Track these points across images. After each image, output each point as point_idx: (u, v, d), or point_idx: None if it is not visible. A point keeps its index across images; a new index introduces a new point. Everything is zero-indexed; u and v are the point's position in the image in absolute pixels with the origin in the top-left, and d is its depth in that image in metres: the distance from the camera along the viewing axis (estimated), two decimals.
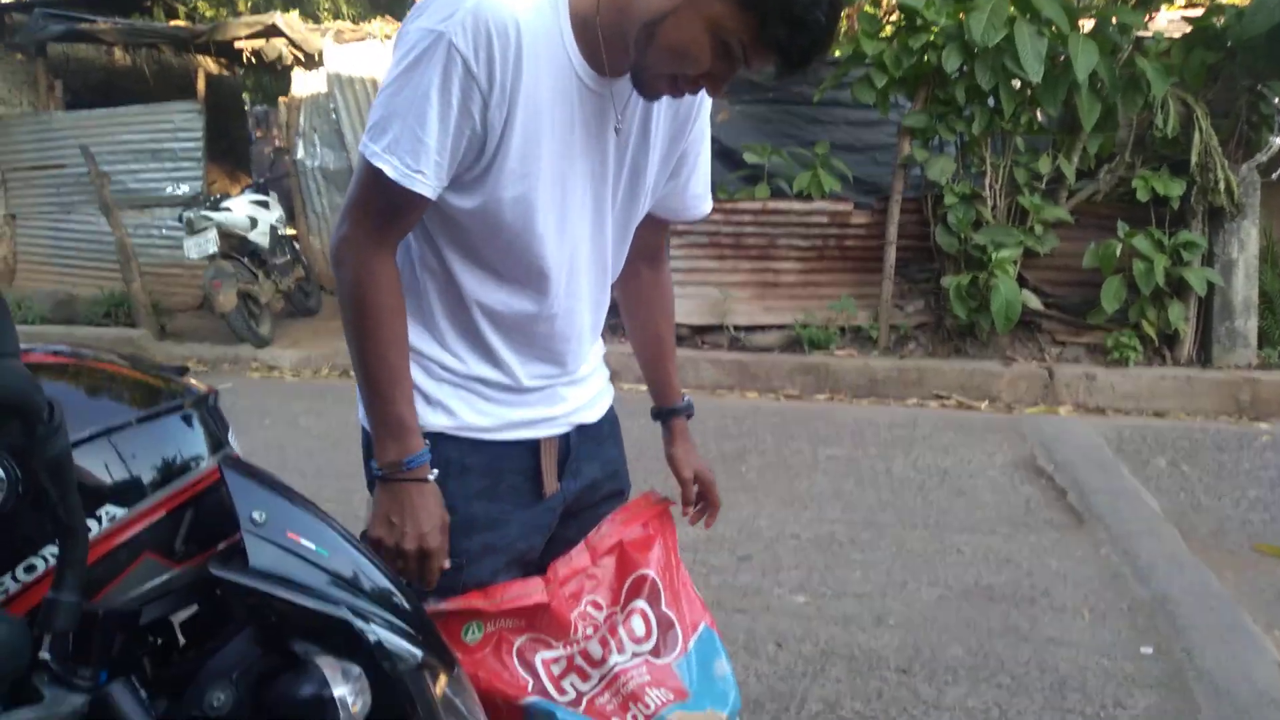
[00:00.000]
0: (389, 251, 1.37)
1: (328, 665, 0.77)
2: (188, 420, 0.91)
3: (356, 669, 0.78)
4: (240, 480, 0.85)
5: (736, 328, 6.04)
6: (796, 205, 5.97)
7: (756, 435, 4.77)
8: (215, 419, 0.95)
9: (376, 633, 0.82)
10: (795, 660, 2.77)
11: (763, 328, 6.05)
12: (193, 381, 0.95)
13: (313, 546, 0.84)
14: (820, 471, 4.27)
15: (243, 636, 0.80)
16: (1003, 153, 5.65)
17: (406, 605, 0.90)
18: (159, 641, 0.89)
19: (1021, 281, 5.59)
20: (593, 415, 1.66)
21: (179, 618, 0.91)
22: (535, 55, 1.27)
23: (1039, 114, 5.73)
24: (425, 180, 1.27)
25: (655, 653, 1.75)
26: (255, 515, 0.82)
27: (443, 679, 0.88)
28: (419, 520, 1.37)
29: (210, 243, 6.40)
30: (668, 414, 1.83)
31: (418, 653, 0.85)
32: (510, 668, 1.62)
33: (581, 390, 1.64)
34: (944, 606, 3.09)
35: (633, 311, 1.79)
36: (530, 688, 1.60)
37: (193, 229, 6.46)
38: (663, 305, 1.78)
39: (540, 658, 1.68)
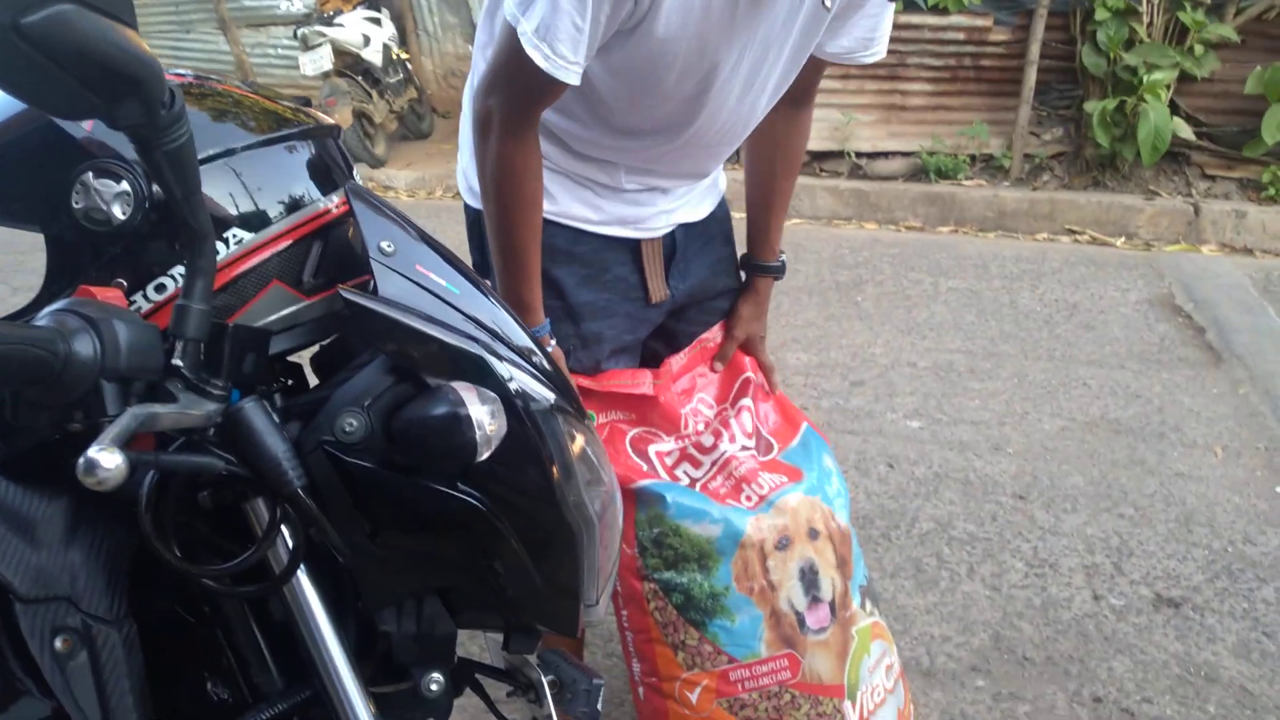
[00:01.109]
0: (532, 128, 1.28)
1: (462, 387, 0.74)
2: (314, 149, 0.87)
3: (492, 394, 0.75)
4: (368, 210, 0.81)
5: (858, 154, 5.78)
6: (930, 20, 5.57)
7: (874, 265, 4.61)
8: (341, 154, 0.92)
9: (511, 371, 0.79)
10: (907, 481, 2.73)
11: (886, 154, 5.78)
12: (319, 113, 0.91)
13: (444, 283, 0.81)
14: (940, 302, 4.12)
15: (375, 366, 0.77)
16: None
17: (546, 365, 0.86)
18: (290, 383, 0.88)
19: (1173, 108, 5.16)
20: (697, 213, 1.59)
21: (309, 362, 0.89)
22: None
23: None
24: (576, 69, 1.16)
25: (762, 449, 1.73)
26: (384, 245, 0.79)
27: (580, 437, 0.85)
28: None
29: (325, 59, 6.37)
30: (757, 269, 1.73)
31: (550, 395, 0.82)
32: (625, 454, 1.61)
33: (684, 191, 1.56)
34: (1066, 437, 2.99)
35: (758, 149, 1.65)
36: (644, 472, 1.60)
37: (307, 45, 6.43)
38: (792, 150, 1.64)
39: (654, 449, 1.67)
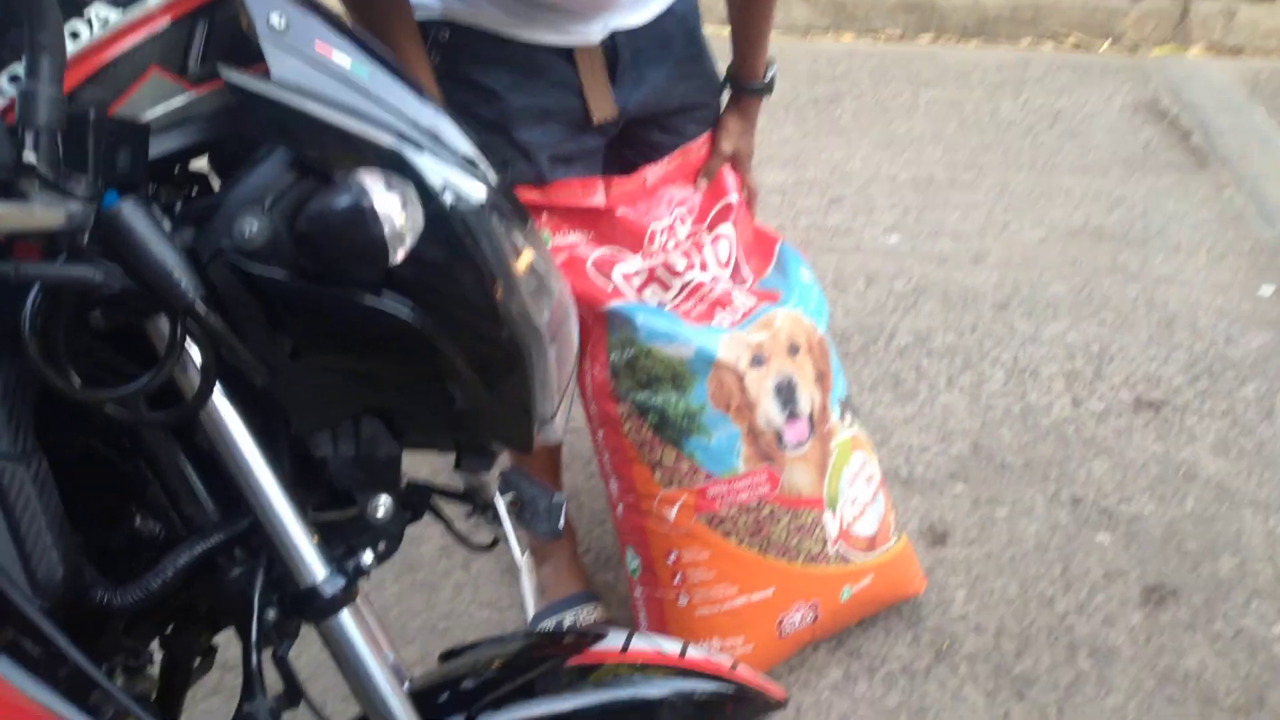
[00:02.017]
0: None
1: (368, 175, 0.65)
2: None
3: (403, 181, 0.66)
4: None
5: None
6: None
7: (852, 79, 4.42)
8: None
9: (431, 163, 0.70)
10: (885, 296, 2.68)
11: None
12: None
13: (348, 65, 0.71)
14: (920, 114, 3.97)
15: (275, 159, 0.68)
16: None
17: (487, 173, 0.76)
18: (194, 192, 0.79)
19: None
20: (640, 15, 1.44)
21: (208, 163, 0.79)
22: None
23: None
24: None
25: (737, 279, 1.65)
26: (273, 19, 0.68)
27: (522, 241, 0.76)
28: None
29: None
30: (743, 89, 1.61)
31: (483, 191, 0.72)
32: (587, 278, 1.54)
33: None
34: (1047, 246, 2.92)
35: None
36: (611, 293, 1.53)
37: None
38: None
39: (619, 271, 1.58)
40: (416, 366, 0.74)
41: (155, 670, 0.90)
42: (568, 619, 1.72)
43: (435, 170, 0.70)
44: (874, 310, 2.61)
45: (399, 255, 0.66)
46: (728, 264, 1.64)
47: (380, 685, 0.79)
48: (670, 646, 0.96)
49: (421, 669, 1.78)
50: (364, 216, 0.64)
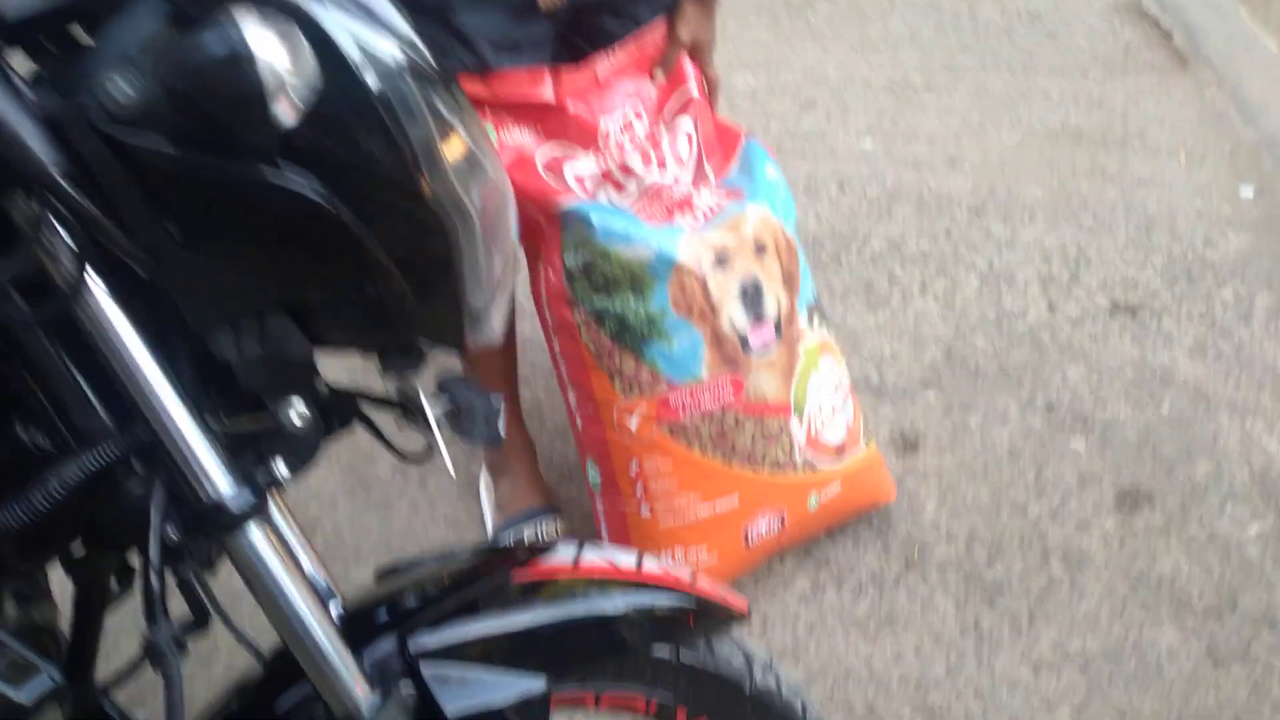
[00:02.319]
0: None
1: (239, 9, 0.56)
2: None
3: (287, 21, 0.57)
4: None
5: None
6: None
7: None
8: None
9: (337, 15, 0.60)
10: (859, 202, 2.59)
11: None
12: None
13: None
14: (896, 16, 3.82)
15: (147, 6, 0.58)
16: None
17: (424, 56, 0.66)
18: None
19: None
20: None
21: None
22: None
23: None
24: None
25: (698, 177, 1.56)
26: None
27: (448, 112, 0.67)
28: None
29: None
30: None
31: (400, 52, 0.63)
32: (537, 178, 1.44)
33: None
34: (1024, 149, 2.83)
35: None
36: (563, 191, 1.44)
37: None
38: None
39: (570, 171, 1.49)
40: (327, 254, 0.66)
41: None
42: (527, 534, 1.66)
43: (340, 22, 0.61)
44: (846, 216, 2.53)
45: (286, 111, 0.57)
46: (688, 162, 1.55)
47: (299, 608, 0.72)
48: (625, 559, 0.89)
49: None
50: (232, 56, 0.55)
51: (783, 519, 1.53)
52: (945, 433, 1.89)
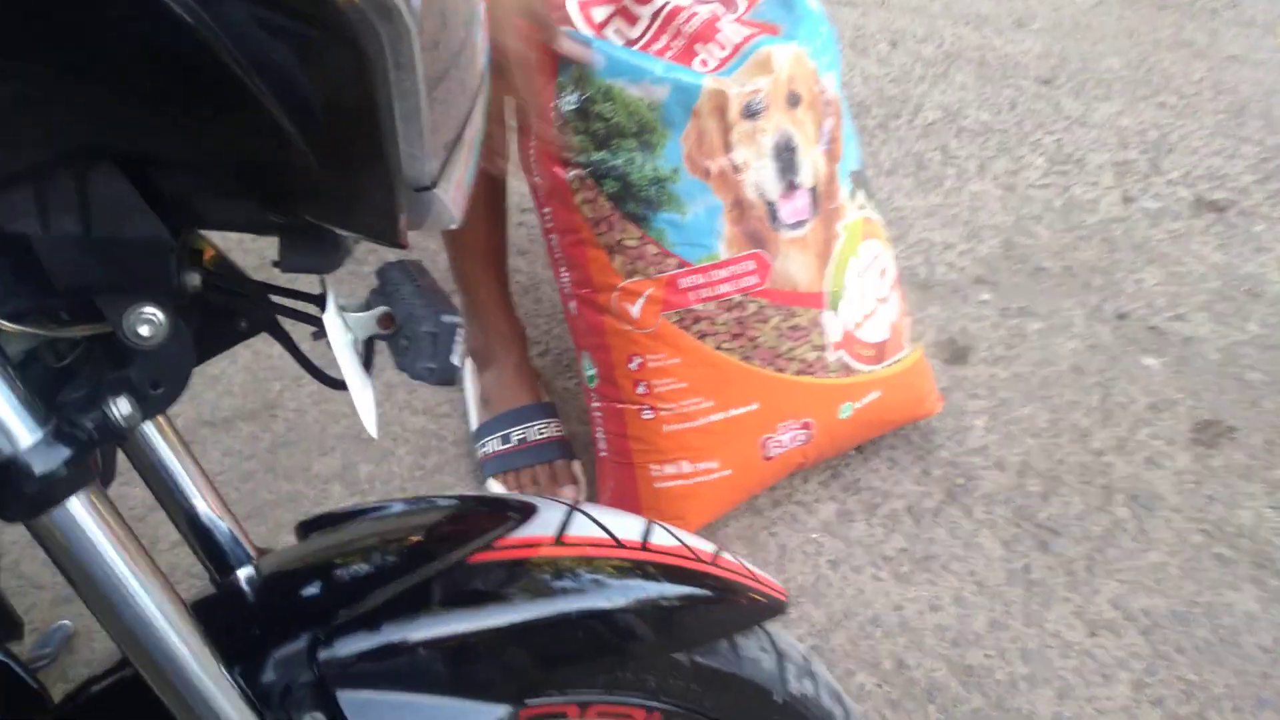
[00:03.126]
0: None
1: None
2: None
3: None
4: None
5: None
6: None
7: None
8: None
9: None
10: (912, 63, 2.27)
11: None
12: None
13: None
14: None
15: None
16: None
17: None
18: None
19: None
20: None
21: None
22: None
23: None
24: None
25: (727, 4, 1.26)
26: None
27: None
28: None
29: None
30: None
31: None
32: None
33: None
34: (1101, 12, 2.49)
35: None
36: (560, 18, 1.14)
37: None
38: None
39: (573, 1, 1.20)
40: (176, 87, 0.39)
41: None
42: (515, 435, 1.43)
43: None
44: (897, 79, 2.21)
45: None
46: None
47: (147, 612, 0.49)
48: (627, 528, 0.66)
49: (340, 486, 1.52)
50: None
51: (810, 430, 1.30)
52: (1000, 340, 1.64)
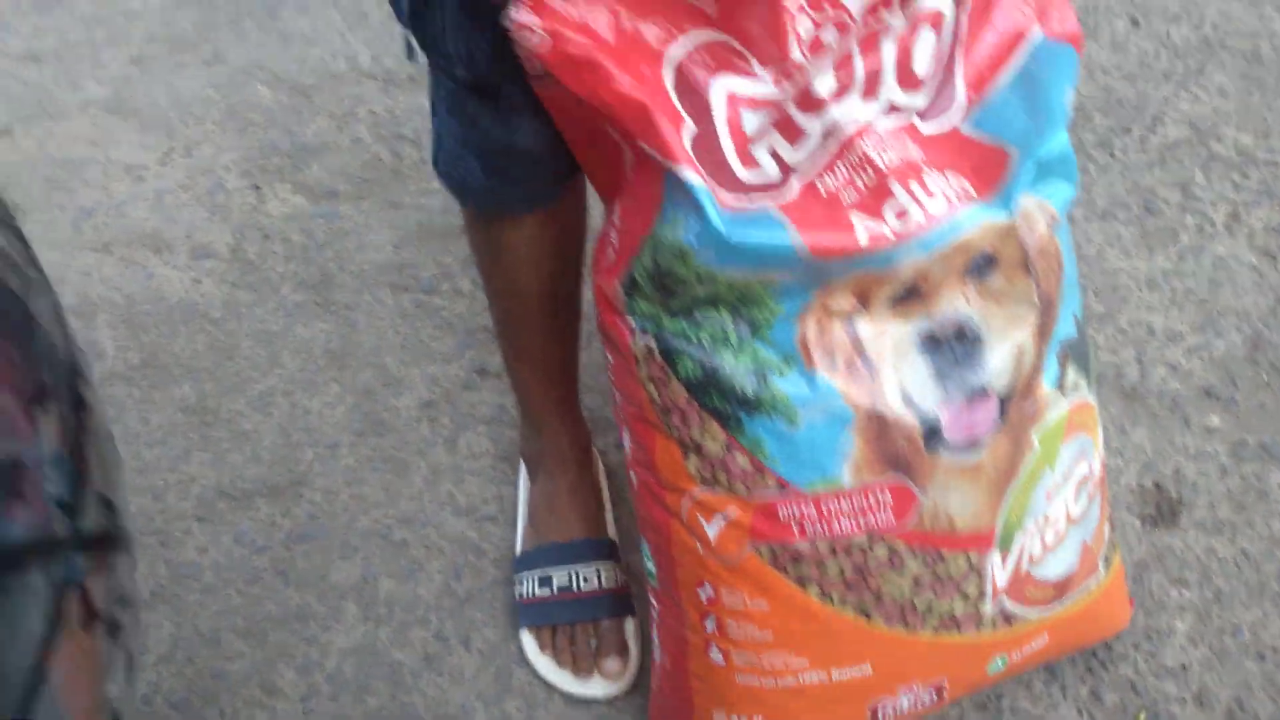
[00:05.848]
0: None
1: None
2: None
3: None
4: None
5: None
6: None
7: None
8: None
9: None
10: (1156, 49, 1.74)
11: None
12: None
13: None
14: None
15: None
16: None
17: None
18: None
19: None
20: None
21: None
22: None
23: None
24: None
25: (939, 104, 0.83)
26: None
27: None
28: None
29: None
30: None
31: None
32: (659, 86, 0.77)
33: None
34: None
35: None
36: (689, 139, 0.77)
37: None
38: None
39: (724, 86, 0.80)
40: None
41: None
42: (557, 580, 1.14)
43: None
44: (1133, 74, 1.69)
45: None
46: (922, 84, 0.81)
47: None
48: None
49: (355, 605, 1.27)
50: None
51: (940, 691, 0.95)
52: (1227, 494, 1.21)
